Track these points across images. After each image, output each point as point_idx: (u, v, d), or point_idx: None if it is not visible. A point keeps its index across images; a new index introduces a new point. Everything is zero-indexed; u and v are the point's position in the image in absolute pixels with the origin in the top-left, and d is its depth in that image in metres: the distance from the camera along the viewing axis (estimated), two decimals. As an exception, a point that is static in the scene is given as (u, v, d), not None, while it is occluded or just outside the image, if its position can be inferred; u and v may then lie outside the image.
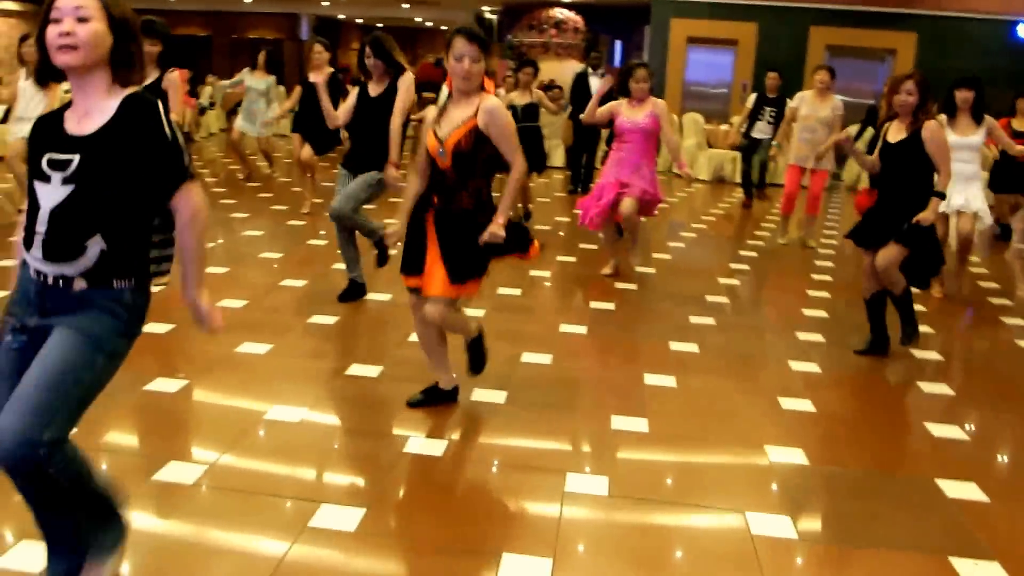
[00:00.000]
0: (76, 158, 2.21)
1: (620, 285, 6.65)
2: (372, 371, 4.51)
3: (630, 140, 6.53)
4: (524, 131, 7.92)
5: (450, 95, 3.80)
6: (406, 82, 5.50)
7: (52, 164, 2.22)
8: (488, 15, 19.85)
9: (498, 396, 4.27)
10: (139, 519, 2.85)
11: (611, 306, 6.10)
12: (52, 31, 2.20)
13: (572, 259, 7.57)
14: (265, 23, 25.13)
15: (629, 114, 6.55)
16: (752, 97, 11.01)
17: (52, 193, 2.21)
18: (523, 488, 3.39)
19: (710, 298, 6.41)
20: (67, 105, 2.32)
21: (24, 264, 2.32)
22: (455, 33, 3.65)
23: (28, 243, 2.27)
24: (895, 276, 5.02)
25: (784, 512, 3.27)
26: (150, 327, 4.87)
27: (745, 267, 7.68)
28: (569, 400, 4.33)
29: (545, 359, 4.86)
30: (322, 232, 7.92)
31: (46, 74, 2.28)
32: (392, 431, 3.84)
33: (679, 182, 13.02)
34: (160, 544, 2.84)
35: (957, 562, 2.97)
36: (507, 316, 5.70)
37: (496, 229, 3.72)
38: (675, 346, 5.22)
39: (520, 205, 9.11)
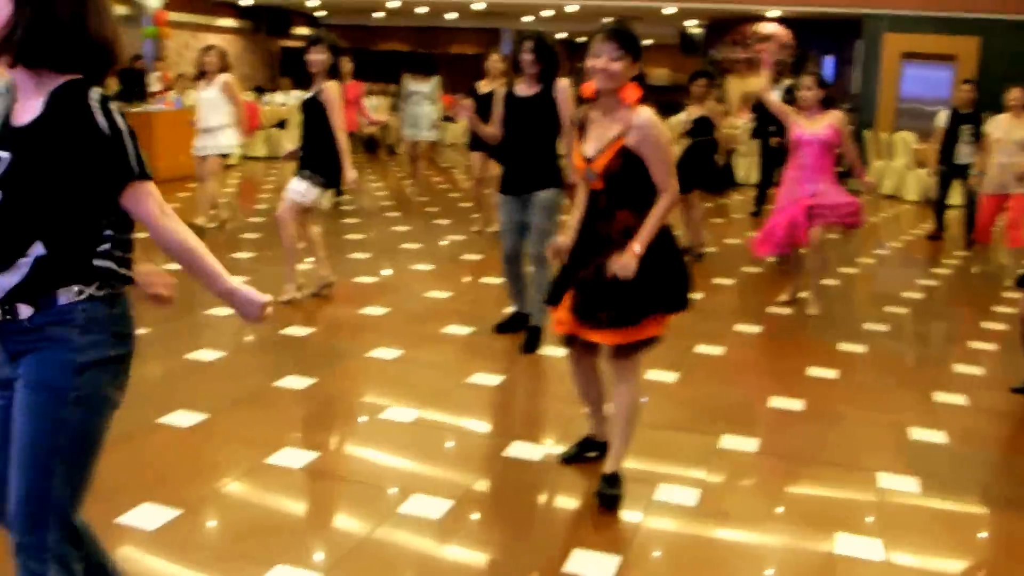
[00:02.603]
0: (7, 156, 2.05)
1: (802, 295, 7.34)
2: (494, 380, 5.06)
3: (808, 153, 6.49)
4: (695, 147, 8.66)
5: (588, 103, 3.59)
6: (568, 90, 5.33)
7: None
8: (693, 30, 20.61)
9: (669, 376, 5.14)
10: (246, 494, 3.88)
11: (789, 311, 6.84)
12: None
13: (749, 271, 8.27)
14: (467, 38, 26.86)
15: (807, 125, 6.52)
16: (942, 115, 10.29)
17: None
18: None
19: (888, 308, 7.03)
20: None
21: None
22: (593, 35, 3.49)
23: None
24: None
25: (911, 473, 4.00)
26: (291, 330, 5.95)
27: (932, 282, 8.18)
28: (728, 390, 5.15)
29: (717, 349, 5.71)
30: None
31: None
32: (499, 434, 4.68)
33: (886, 202, 13.39)
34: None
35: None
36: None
37: (628, 259, 3.38)
38: (843, 346, 5.93)
39: (689, 239, 8.58)
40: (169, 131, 11.77)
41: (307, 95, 6.35)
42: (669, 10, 17.93)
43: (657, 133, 3.42)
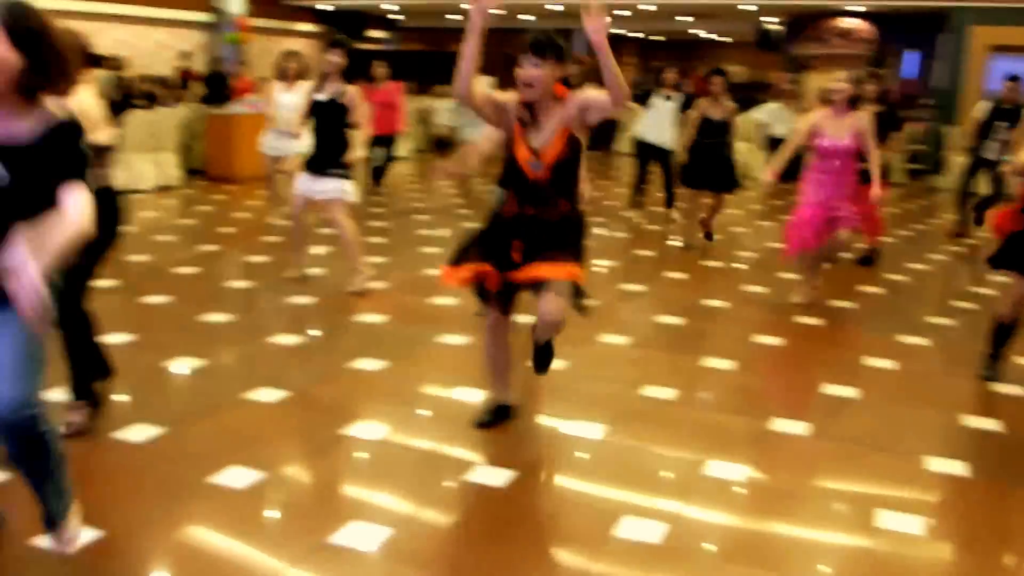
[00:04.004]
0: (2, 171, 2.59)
1: (862, 288, 7.52)
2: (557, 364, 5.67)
3: (831, 163, 6.55)
4: (711, 147, 8.86)
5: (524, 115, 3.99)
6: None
7: None
8: (772, 27, 20.68)
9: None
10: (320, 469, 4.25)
11: (853, 305, 7.04)
12: None
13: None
14: (543, 38, 27.27)
15: (833, 132, 6.52)
16: (981, 106, 10.31)
17: None
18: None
19: (955, 303, 7.20)
20: None
21: None
22: (520, 47, 3.89)
23: None
24: None
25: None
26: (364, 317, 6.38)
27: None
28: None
29: (775, 339, 5.97)
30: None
31: None
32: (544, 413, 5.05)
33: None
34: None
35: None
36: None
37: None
38: (903, 339, 6.14)
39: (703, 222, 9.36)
40: (249, 133, 12.33)
41: (323, 96, 6.76)
42: (747, 7, 18.04)
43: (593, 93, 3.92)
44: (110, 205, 3.99)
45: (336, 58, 6.72)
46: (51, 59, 2.59)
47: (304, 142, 8.97)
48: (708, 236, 9.40)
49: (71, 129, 2.68)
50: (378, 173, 12.07)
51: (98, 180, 3.60)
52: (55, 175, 2.62)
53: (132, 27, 17.60)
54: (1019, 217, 5.11)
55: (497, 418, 4.43)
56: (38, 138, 2.61)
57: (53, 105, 2.67)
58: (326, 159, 6.76)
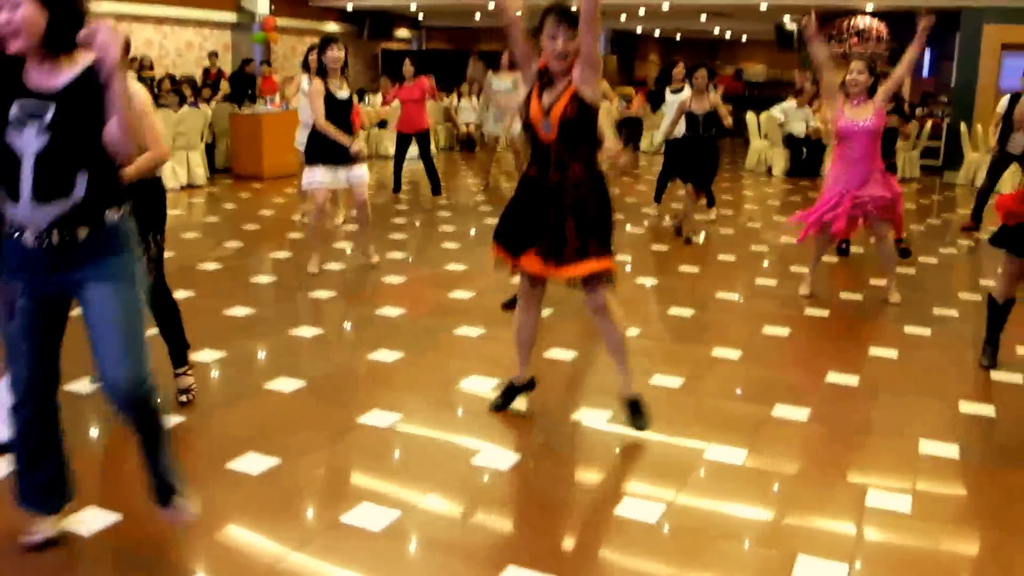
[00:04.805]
0: (51, 108, 2.70)
1: (874, 281, 7.55)
2: (568, 354, 5.54)
3: (855, 145, 6.49)
4: (692, 141, 8.94)
5: (544, 76, 4.04)
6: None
7: (28, 115, 2.71)
8: (789, 25, 20.62)
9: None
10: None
11: (859, 296, 7.08)
12: None
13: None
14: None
15: (852, 114, 6.50)
16: (1004, 100, 10.21)
17: (30, 141, 2.70)
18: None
19: (962, 295, 7.23)
20: (18, 59, 2.76)
21: (9, 231, 2.85)
22: (546, 12, 3.93)
23: (14, 196, 2.76)
24: None
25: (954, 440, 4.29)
26: (384, 310, 6.46)
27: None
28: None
29: (783, 330, 6.03)
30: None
31: None
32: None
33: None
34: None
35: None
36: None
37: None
38: (909, 329, 6.17)
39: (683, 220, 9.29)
40: (276, 132, 12.49)
41: (342, 94, 7.04)
42: (765, 6, 18.02)
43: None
44: (158, 198, 4.33)
45: (338, 53, 7.00)
46: (73, 17, 2.69)
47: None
48: (678, 231, 9.29)
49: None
50: (397, 173, 11.88)
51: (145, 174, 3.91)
52: (99, 110, 2.69)
53: (161, 27, 17.80)
54: None
55: (507, 400, 4.54)
56: (75, 79, 2.72)
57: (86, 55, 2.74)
58: (342, 150, 7.03)
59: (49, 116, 2.69)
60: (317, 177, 7.12)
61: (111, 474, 3.87)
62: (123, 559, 3.18)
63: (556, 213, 4.00)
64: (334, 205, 9.14)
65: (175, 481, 3.11)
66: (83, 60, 2.73)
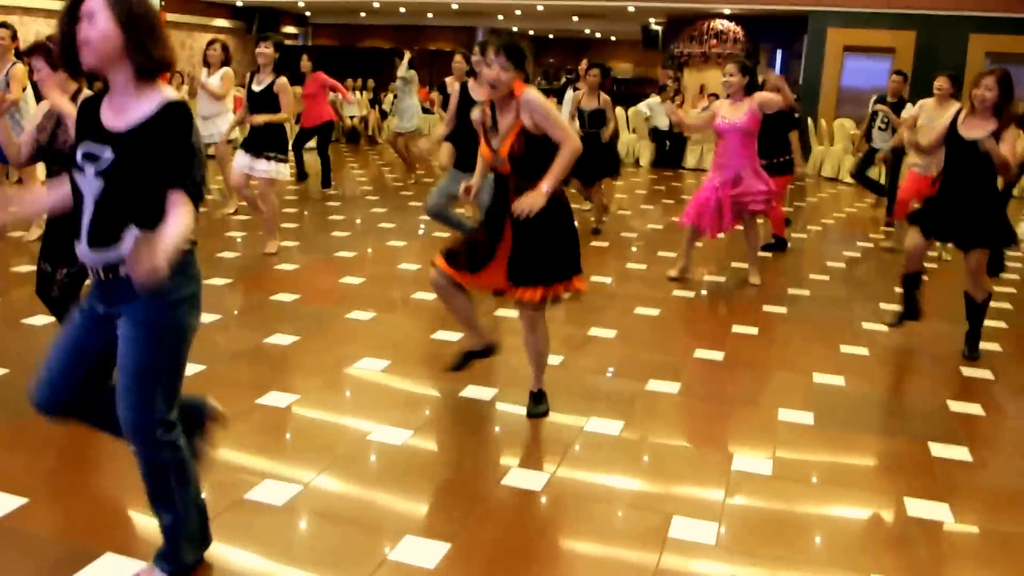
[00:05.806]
0: (108, 152, 2.41)
1: (735, 264, 7.78)
2: (454, 336, 5.80)
3: (729, 142, 6.66)
4: (585, 138, 8.98)
5: (493, 111, 3.99)
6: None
7: (86, 156, 2.44)
8: (653, 26, 21.01)
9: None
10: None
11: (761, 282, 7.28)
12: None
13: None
14: (444, 35, 27.18)
15: (727, 113, 6.66)
16: (871, 101, 10.47)
17: (90, 184, 2.44)
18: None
19: (813, 276, 7.51)
20: (104, 91, 2.52)
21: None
22: (491, 41, 3.87)
23: (76, 235, 2.50)
24: (986, 282, 5.35)
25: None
26: (279, 296, 6.42)
27: (855, 254, 8.65)
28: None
29: (654, 311, 6.15)
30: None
31: (77, 70, 2.45)
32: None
33: (828, 184, 13.90)
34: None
35: None
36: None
37: (536, 197, 3.73)
38: (767, 308, 6.39)
39: (597, 213, 9.35)
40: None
41: (258, 86, 7.23)
42: (632, 8, 18.32)
43: (539, 101, 3.81)
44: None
45: (268, 50, 7.15)
46: (153, 41, 2.42)
47: (227, 126, 8.91)
48: (596, 231, 9.30)
49: (180, 111, 2.44)
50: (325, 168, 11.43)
51: None
52: (159, 162, 2.39)
53: (51, 20, 17.02)
54: (932, 187, 5.44)
55: (464, 363, 4.49)
56: (139, 124, 2.41)
57: (168, 90, 2.48)
58: (262, 142, 7.19)
59: (105, 160, 2.41)
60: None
61: (15, 458, 3.72)
62: (27, 544, 3.06)
63: (519, 238, 3.96)
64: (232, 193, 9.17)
65: (182, 555, 2.79)
66: (158, 98, 2.43)
